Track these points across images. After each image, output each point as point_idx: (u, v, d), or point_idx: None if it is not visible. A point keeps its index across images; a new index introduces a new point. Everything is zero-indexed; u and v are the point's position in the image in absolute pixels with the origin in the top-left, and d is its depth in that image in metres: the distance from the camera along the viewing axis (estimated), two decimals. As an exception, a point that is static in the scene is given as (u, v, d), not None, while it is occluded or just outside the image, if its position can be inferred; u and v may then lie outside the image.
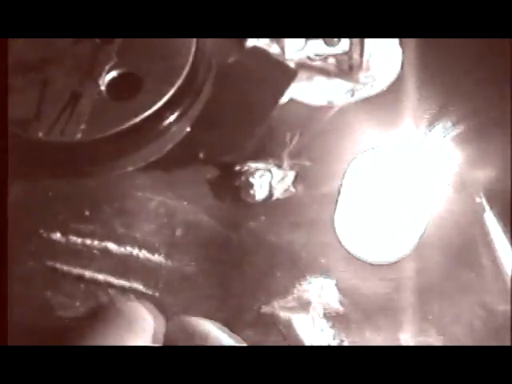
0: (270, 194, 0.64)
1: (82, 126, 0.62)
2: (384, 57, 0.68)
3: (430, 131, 0.60)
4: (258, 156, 0.66)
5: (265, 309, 0.59)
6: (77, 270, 0.61)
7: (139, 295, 0.59)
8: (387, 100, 0.68)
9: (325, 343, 0.57)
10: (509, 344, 0.59)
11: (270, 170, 0.64)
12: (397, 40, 0.68)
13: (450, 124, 0.58)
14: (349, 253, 0.62)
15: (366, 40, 0.67)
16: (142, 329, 0.43)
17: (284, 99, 0.68)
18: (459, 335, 0.59)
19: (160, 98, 0.63)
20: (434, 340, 0.59)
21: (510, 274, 0.60)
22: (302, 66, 0.70)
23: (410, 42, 0.66)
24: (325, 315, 0.59)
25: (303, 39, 0.68)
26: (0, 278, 0.43)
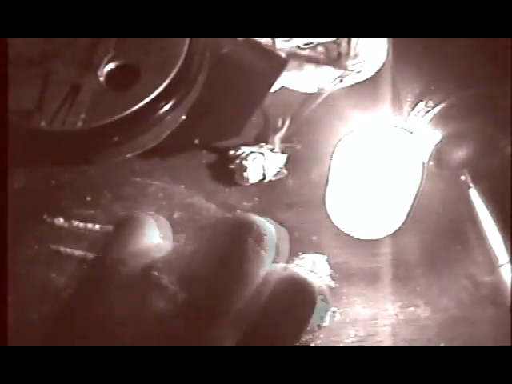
0: (263, 177, 0.67)
1: (83, 116, 0.63)
2: (371, 44, 0.71)
3: (412, 111, 0.62)
4: (251, 141, 0.69)
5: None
6: (79, 253, 0.63)
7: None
8: (374, 85, 0.70)
9: (318, 315, 0.60)
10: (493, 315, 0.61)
11: (262, 154, 0.67)
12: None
13: (431, 103, 0.60)
14: (339, 230, 0.64)
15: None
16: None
17: (275, 87, 0.70)
18: (446, 306, 0.62)
19: (156, 88, 0.65)
20: (422, 311, 0.61)
21: (493, 248, 0.62)
22: (292, 55, 0.71)
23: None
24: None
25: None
26: (0, 277, 0.44)
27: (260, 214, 0.66)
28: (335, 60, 0.72)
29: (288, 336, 0.36)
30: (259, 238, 0.37)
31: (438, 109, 0.60)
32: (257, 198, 0.66)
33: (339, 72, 0.71)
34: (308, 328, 0.36)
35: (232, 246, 0.36)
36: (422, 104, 0.61)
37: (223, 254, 0.36)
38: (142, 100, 0.65)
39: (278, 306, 0.36)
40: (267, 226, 0.39)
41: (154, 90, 0.65)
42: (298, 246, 0.64)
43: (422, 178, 0.60)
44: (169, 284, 0.35)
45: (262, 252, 0.37)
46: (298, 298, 0.37)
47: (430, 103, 0.60)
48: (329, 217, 0.65)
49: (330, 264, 0.64)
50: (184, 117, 0.68)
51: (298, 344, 0.36)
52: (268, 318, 0.35)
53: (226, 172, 0.67)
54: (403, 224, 0.64)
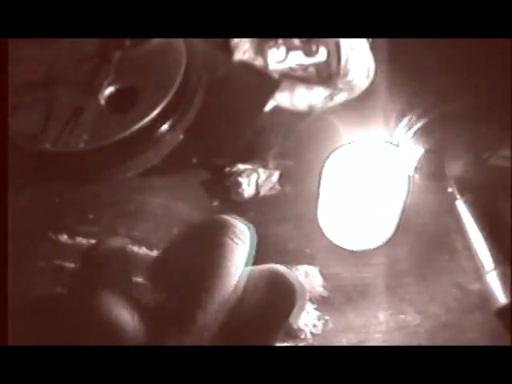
0: (257, 192, 0.69)
1: (85, 137, 0.66)
2: (359, 63, 0.73)
3: (398, 126, 0.65)
4: (246, 158, 0.71)
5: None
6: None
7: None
8: (363, 103, 0.73)
9: (310, 323, 0.62)
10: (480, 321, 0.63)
11: (256, 171, 0.69)
12: (368, 47, 0.73)
13: (414, 118, 0.63)
14: (331, 242, 0.67)
15: (343, 49, 0.73)
16: None
17: (269, 106, 0.74)
18: (436, 313, 0.64)
19: (154, 109, 0.68)
20: (412, 318, 0.64)
21: (479, 256, 0.64)
22: (284, 75, 0.75)
23: (381, 49, 0.71)
24: (310, 299, 0.64)
25: (284, 52, 0.73)
26: (0, 277, 0.44)
27: (255, 228, 0.69)
28: (326, 79, 0.74)
29: (266, 331, 0.37)
30: (235, 233, 0.38)
31: (420, 123, 0.63)
32: (252, 213, 0.69)
33: (329, 91, 0.74)
34: (288, 323, 0.38)
35: (208, 239, 0.37)
36: (406, 119, 0.64)
37: (199, 249, 0.37)
38: (141, 121, 0.68)
39: (256, 299, 0.37)
40: (243, 225, 0.40)
41: (152, 111, 0.68)
42: (292, 258, 0.67)
43: (408, 191, 0.62)
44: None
45: (239, 244, 0.38)
46: (278, 291, 0.38)
47: (414, 118, 0.63)
48: (321, 230, 0.67)
49: (322, 275, 0.67)
50: (182, 136, 0.71)
51: (279, 343, 0.38)
52: (246, 311, 0.37)
53: (222, 189, 0.70)
54: (393, 235, 0.66)
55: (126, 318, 0.35)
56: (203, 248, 0.36)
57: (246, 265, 0.38)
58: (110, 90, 0.70)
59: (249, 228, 0.41)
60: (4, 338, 0.38)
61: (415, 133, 0.63)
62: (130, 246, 0.42)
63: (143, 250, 0.66)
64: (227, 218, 0.40)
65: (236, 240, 0.37)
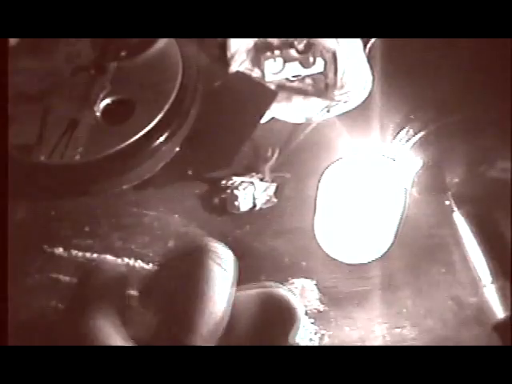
0: (254, 205, 0.69)
1: (80, 149, 0.66)
2: (356, 75, 0.73)
3: (394, 139, 0.64)
4: (242, 171, 0.71)
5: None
6: (78, 281, 0.65)
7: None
8: (360, 115, 0.72)
9: (307, 338, 0.62)
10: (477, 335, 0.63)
11: (253, 183, 0.69)
12: (365, 59, 0.73)
13: (411, 131, 0.63)
14: (328, 255, 0.67)
15: (340, 60, 0.73)
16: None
17: (265, 118, 0.73)
18: (432, 326, 0.64)
19: (150, 122, 0.68)
20: (408, 332, 0.63)
21: (477, 270, 0.64)
22: (281, 87, 0.74)
23: (378, 61, 0.71)
24: (306, 313, 0.63)
25: (281, 63, 0.73)
26: (0, 278, 0.44)
27: (251, 241, 0.69)
28: (322, 91, 0.74)
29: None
30: (218, 258, 0.38)
31: (417, 137, 0.63)
32: (248, 226, 0.69)
33: (326, 102, 0.73)
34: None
35: (192, 265, 0.37)
36: (403, 132, 0.64)
37: (185, 274, 0.37)
38: (136, 133, 0.67)
39: (254, 321, 0.37)
40: (225, 249, 0.40)
41: (148, 124, 0.68)
42: (288, 271, 0.67)
43: (405, 204, 0.62)
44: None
45: (222, 270, 0.38)
46: (278, 314, 0.38)
47: (411, 132, 0.63)
48: (317, 243, 0.67)
49: (319, 288, 0.66)
50: (178, 148, 0.70)
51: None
52: (244, 333, 0.37)
53: (219, 201, 0.70)
54: (389, 248, 0.66)
55: (115, 340, 0.35)
56: (188, 273, 0.37)
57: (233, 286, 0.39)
58: (105, 102, 0.70)
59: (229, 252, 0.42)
60: (4, 337, 0.39)
61: (413, 146, 0.63)
62: (123, 267, 0.42)
63: (139, 264, 0.66)
64: (209, 242, 0.40)
65: (219, 262, 0.38)
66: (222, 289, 0.37)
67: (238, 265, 0.41)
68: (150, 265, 0.66)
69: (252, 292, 0.39)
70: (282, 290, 0.39)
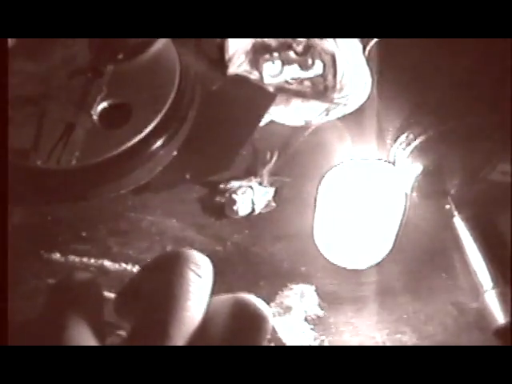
0: (253, 209, 0.69)
1: (77, 154, 0.65)
2: (356, 78, 0.73)
3: (394, 144, 0.64)
4: (240, 174, 0.71)
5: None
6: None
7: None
8: (359, 118, 0.72)
9: (306, 344, 0.61)
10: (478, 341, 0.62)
11: (251, 187, 0.69)
12: (364, 61, 0.72)
13: (411, 136, 0.62)
14: (327, 261, 0.66)
15: (339, 63, 0.72)
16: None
17: (264, 121, 0.73)
18: (432, 332, 0.63)
19: (148, 125, 0.67)
20: (408, 338, 0.63)
21: (478, 274, 0.64)
22: (279, 89, 0.74)
23: (378, 64, 0.71)
24: (305, 319, 0.63)
25: (280, 65, 0.73)
26: (1, 277, 0.44)
27: (250, 246, 0.69)
28: (321, 93, 0.74)
29: None
30: (194, 265, 0.38)
31: (417, 141, 0.62)
32: (247, 231, 0.68)
33: (325, 105, 0.73)
34: None
35: (167, 272, 0.37)
36: (403, 137, 0.63)
37: (160, 281, 0.37)
38: (134, 137, 0.66)
39: (223, 328, 0.37)
40: (201, 256, 0.40)
41: (145, 127, 0.67)
42: (287, 276, 0.67)
43: (405, 209, 0.62)
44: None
45: (197, 277, 0.38)
46: (245, 319, 0.37)
47: (411, 136, 0.62)
48: (317, 248, 0.67)
49: (318, 294, 0.66)
50: (175, 152, 0.70)
51: None
52: (214, 340, 0.36)
53: (217, 206, 0.69)
54: (389, 253, 0.65)
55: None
56: (163, 280, 0.36)
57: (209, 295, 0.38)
58: (102, 105, 0.69)
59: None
60: (4, 337, 0.39)
61: (413, 150, 0.63)
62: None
63: (137, 270, 0.66)
64: (185, 250, 0.40)
65: (194, 269, 0.37)
66: (197, 296, 0.37)
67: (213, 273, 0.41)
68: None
69: (222, 297, 0.39)
70: (249, 295, 0.39)
